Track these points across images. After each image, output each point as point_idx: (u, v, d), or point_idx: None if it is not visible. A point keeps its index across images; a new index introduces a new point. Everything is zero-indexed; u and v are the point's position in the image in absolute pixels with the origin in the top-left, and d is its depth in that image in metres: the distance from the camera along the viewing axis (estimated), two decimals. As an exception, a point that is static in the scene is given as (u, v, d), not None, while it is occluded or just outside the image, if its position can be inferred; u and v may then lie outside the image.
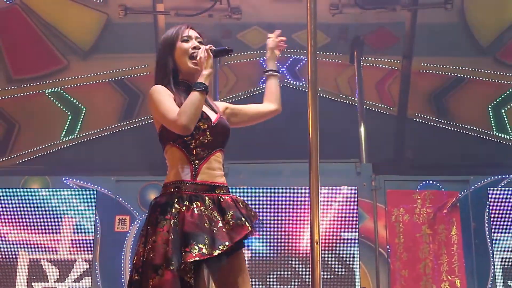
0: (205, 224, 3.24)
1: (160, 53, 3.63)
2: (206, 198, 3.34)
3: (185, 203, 3.29)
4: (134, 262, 3.32)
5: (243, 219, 3.36)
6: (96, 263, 7.92)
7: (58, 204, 8.04)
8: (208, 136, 3.43)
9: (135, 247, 3.37)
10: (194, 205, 3.28)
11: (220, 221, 3.29)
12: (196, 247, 3.16)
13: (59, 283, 7.85)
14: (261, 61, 9.66)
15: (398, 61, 9.35)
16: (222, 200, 3.38)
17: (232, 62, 9.53)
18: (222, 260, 3.26)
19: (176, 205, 3.28)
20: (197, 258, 3.15)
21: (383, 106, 9.69)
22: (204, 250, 3.16)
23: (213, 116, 3.50)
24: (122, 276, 7.89)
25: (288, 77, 9.71)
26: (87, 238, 7.97)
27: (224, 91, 9.57)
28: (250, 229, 3.36)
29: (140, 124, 9.50)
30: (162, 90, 3.42)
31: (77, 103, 9.50)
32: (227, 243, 3.22)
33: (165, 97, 3.38)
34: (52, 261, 7.92)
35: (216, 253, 3.18)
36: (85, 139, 9.51)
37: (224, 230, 3.26)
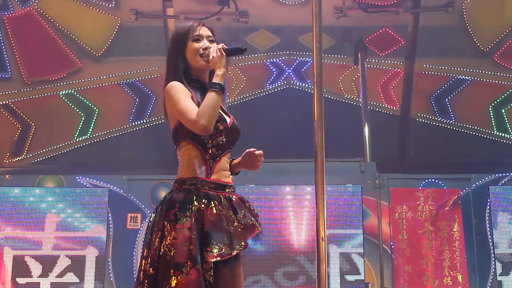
0: (223, 223, 3.21)
1: (170, 51, 3.55)
2: (222, 197, 3.31)
3: (203, 201, 3.25)
4: (147, 255, 3.25)
5: (252, 218, 3.35)
6: (109, 259, 7.93)
7: (72, 202, 8.05)
8: (223, 137, 3.39)
9: (148, 240, 3.29)
10: (213, 204, 3.25)
11: (235, 221, 3.27)
12: (216, 247, 3.14)
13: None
14: (267, 63, 9.66)
15: (401, 63, 9.34)
16: (233, 199, 3.36)
17: (240, 64, 9.53)
18: (238, 260, 3.27)
19: (195, 203, 3.23)
20: (218, 258, 3.14)
21: (386, 106, 9.68)
22: (224, 250, 3.15)
23: (227, 118, 3.47)
24: (134, 272, 7.89)
25: (294, 78, 9.71)
26: (100, 235, 7.98)
27: (232, 93, 9.58)
28: (259, 229, 3.34)
29: (151, 124, 9.52)
30: (180, 88, 3.36)
31: (90, 104, 9.52)
32: (243, 243, 3.22)
33: (184, 96, 3.32)
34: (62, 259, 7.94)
35: (234, 252, 3.18)
36: (98, 139, 9.54)
37: (239, 229, 3.25)
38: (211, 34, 3.56)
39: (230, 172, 3.49)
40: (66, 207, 8.03)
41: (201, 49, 3.47)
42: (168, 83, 3.41)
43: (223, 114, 3.44)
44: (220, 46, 3.40)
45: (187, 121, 3.27)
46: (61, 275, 7.87)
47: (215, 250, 3.13)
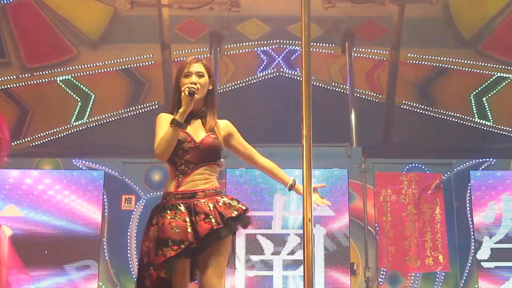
0: (171, 229, 3.63)
1: (174, 84, 3.97)
2: (182, 205, 3.70)
3: (166, 211, 3.70)
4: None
5: (210, 217, 3.66)
6: (104, 239, 7.93)
7: (69, 184, 8.05)
8: (191, 155, 3.76)
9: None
10: (168, 214, 3.68)
11: (187, 223, 3.66)
12: (161, 251, 3.60)
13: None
14: (258, 51, 9.64)
15: (387, 52, 9.31)
16: (196, 204, 3.71)
17: (231, 52, 9.49)
18: (180, 256, 3.62)
19: (158, 214, 3.72)
20: (160, 261, 3.59)
21: (372, 94, 9.68)
22: (166, 253, 3.58)
23: (199, 136, 3.81)
24: (128, 251, 7.92)
25: (284, 66, 9.69)
26: (95, 216, 7.98)
27: (224, 80, 9.55)
28: (214, 225, 3.64)
29: (146, 110, 9.49)
30: (161, 121, 3.82)
31: (86, 90, 9.47)
32: (186, 242, 3.59)
33: (160, 128, 3.78)
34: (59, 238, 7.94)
35: (174, 253, 3.57)
36: (94, 124, 9.50)
37: (189, 231, 3.63)
38: (201, 70, 3.90)
39: (206, 181, 3.80)
40: (63, 189, 8.03)
41: (189, 84, 3.80)
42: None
43: (192, 134, 3.79)
44: (184, 87, 3.76)
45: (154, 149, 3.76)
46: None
47: (159, 254, 3.60)
